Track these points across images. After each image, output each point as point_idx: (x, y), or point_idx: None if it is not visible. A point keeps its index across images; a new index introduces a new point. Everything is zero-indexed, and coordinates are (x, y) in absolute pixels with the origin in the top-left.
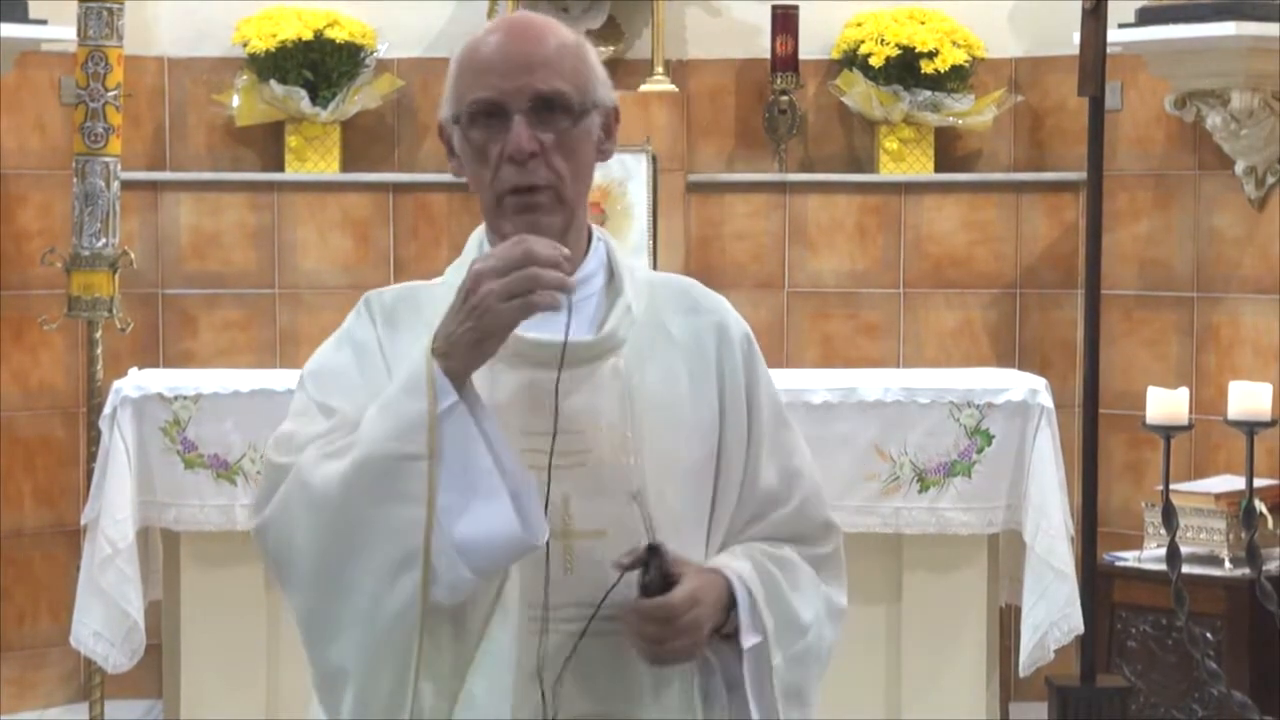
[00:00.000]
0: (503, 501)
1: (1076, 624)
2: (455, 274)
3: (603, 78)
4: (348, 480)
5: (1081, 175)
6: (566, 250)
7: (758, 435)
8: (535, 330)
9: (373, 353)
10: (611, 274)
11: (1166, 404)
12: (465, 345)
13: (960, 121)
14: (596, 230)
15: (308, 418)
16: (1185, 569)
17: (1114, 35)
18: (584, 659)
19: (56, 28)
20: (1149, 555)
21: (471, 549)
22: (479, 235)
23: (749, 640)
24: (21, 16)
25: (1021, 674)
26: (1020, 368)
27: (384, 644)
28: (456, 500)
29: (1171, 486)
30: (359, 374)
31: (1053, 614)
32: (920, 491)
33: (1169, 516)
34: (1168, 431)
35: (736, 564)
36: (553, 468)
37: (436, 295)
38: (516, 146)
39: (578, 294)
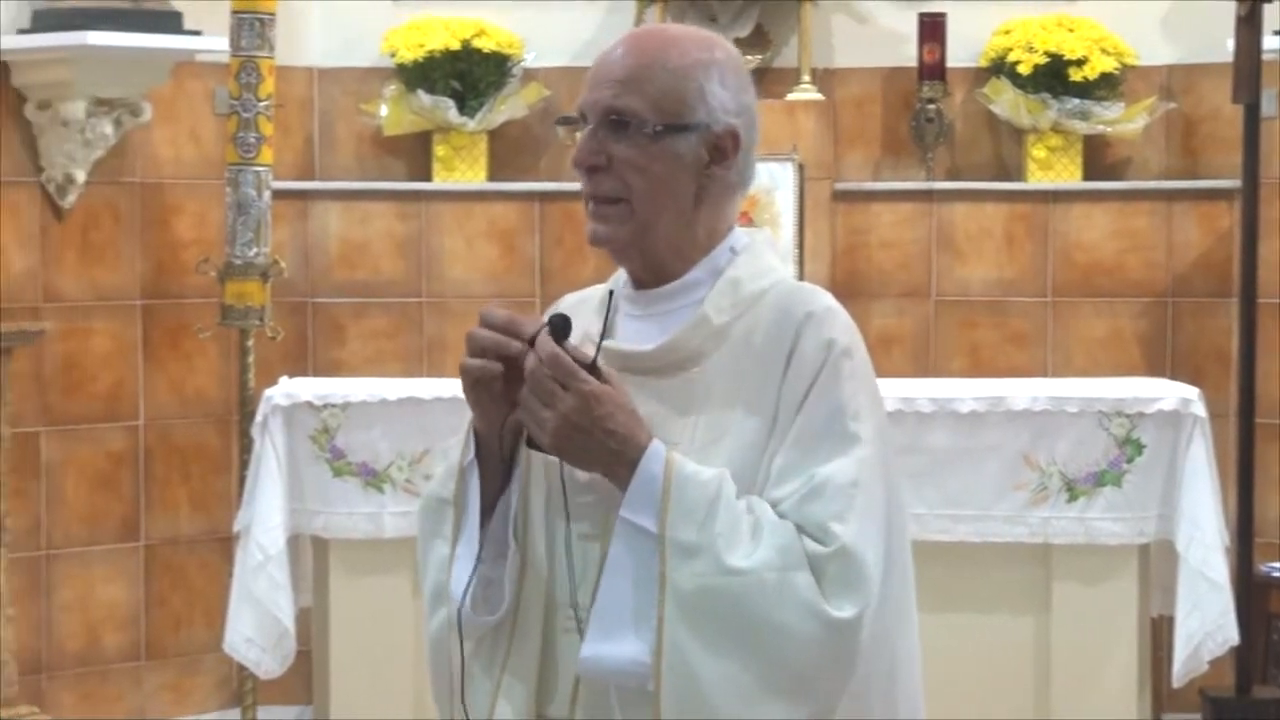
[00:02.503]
0: (464, 565)
1: (1231, 635)
2: (614, 279)
3: (721, 100)
4: (422, 510)
5: (1235, 183)
6: (502, 315)
7: (792, 436)
8: (619, 341)
9: None
10: (720, 283)
11: None
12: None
13: (1110, 129)
14: (741, 239)
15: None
16: None
17: (1269, 42)
18: None
19: (210, 38)
20: None
21: (453, 598)
22: None
23: (634, 514)
24: (177, 28)
25: (1175, 685)
26: (1172, 377)
27: (431, 664)
28: (461, 549)
29: None
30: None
31: (1207, 625)
32: (1069, 501)
33: None
34: None
35: (685, 459)
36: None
37: (598, 295)
38: (576, 157)
39: (668, 303)
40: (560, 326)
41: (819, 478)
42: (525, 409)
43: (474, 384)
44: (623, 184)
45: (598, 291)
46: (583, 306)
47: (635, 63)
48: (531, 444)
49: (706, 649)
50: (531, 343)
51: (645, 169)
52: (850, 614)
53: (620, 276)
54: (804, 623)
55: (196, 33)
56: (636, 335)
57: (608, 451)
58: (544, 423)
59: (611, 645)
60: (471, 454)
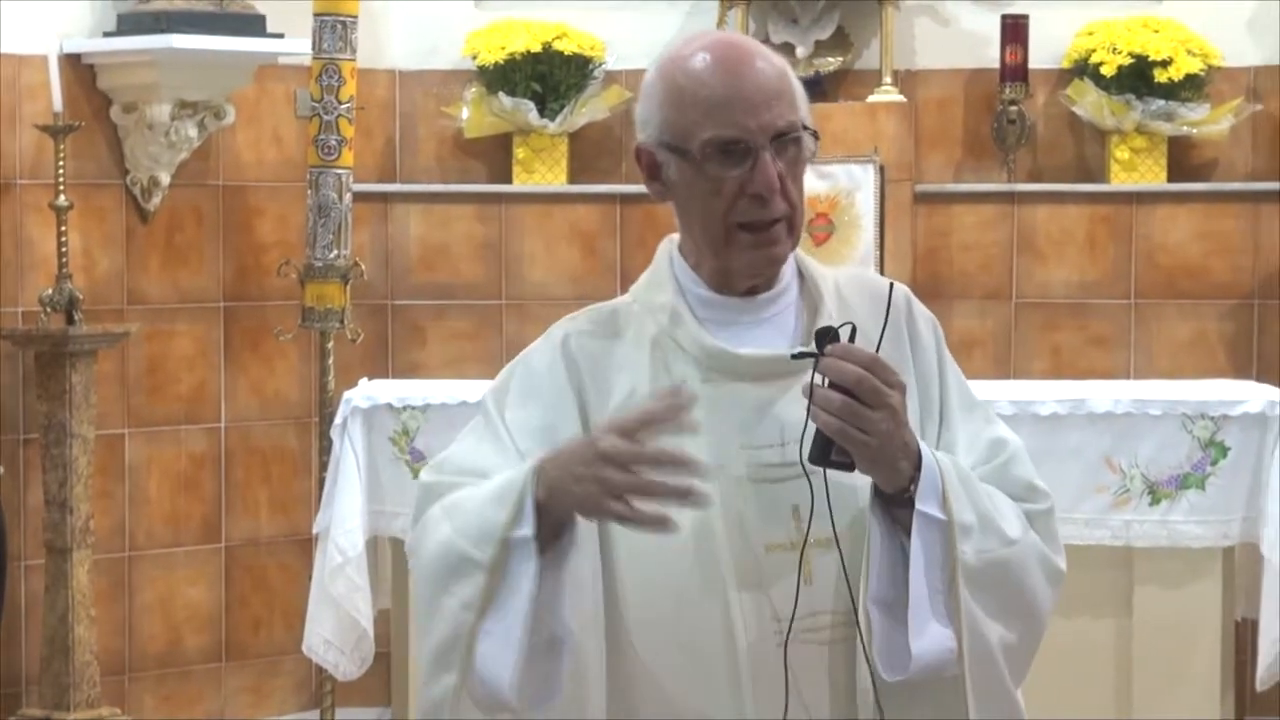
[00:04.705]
0: (508, 653)
1: None
2: (647, 292)
3: (803, 95)
4: (435, 555)
5: None
6: (629, 424)
7: (949, 406)
8: (751, 347)
9: (564, 415)
10: (802, 281)
11: None
12: (564, 502)
13: (1195, 131)
14: None
15: (469, 444)
16: None
17: None
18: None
19: (293, 41)
20: None
21: (474, 679)
22: (669, 251)
23: (927, 505)
24: (260, 31)
25: (1259, 688)
26: (1258, 380)
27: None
28: (493, 625)
29: None
30: (542, 439)
31: None
32: (1152, 504)
33: None
34: None
35: (932, 451)
36: (781, 481)
37: (634, 313)
38: (768, 185)
39: (773, 307)
40: (830, 334)
41: (1010, 444)
42: (845, 419)
43: (606, 516)
44: (787, 202)
45: (625, 308)
46: (625, 322)
47: (775, 73)
48: (824, 462)
49: (994, 619)
50: (818, 355)
51: (799, 179)
52: (1064, 564)
53: (667, 284)
54: (1047, 579)
55: (279, 35)
56: (753, 341)
57: (904, 446)
58: (875, 424)
59: (926, 640)
60: (528, 532)
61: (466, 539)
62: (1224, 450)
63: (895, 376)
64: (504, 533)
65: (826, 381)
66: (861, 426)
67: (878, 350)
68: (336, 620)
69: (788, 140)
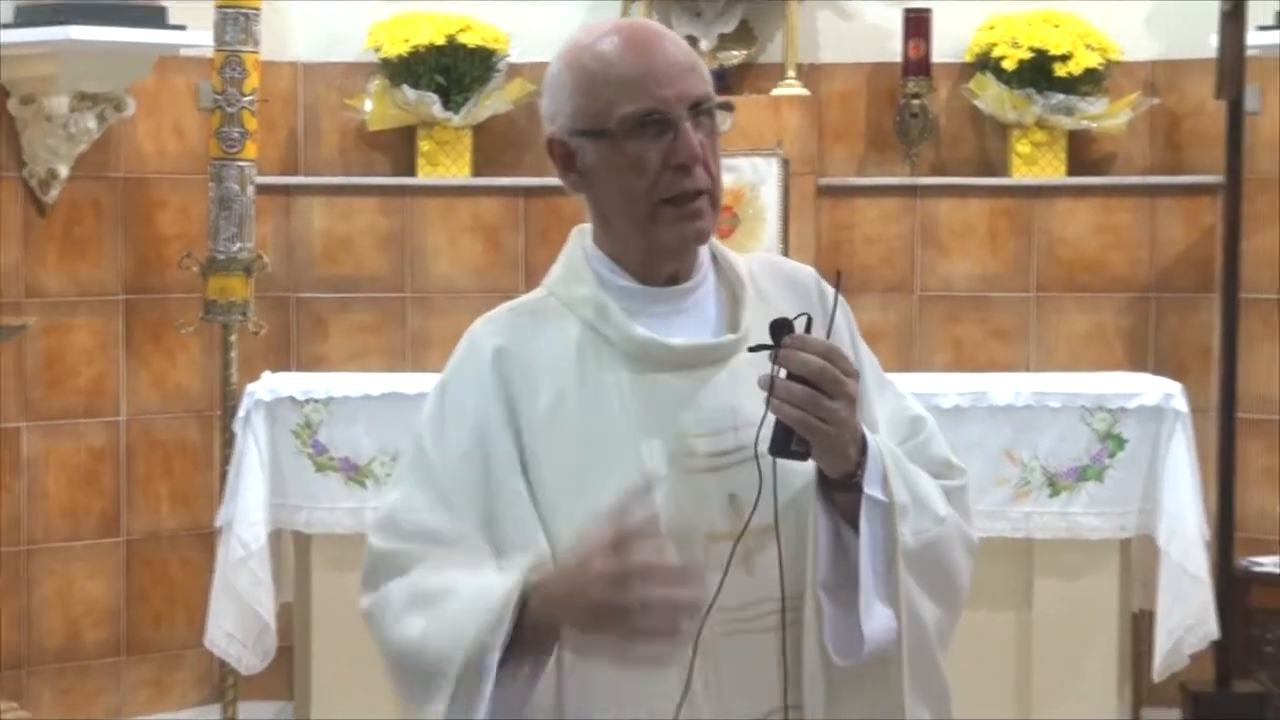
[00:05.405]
0: None
1: (1212, 629)
2: (564, 285)
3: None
4: (405, 653)
5: (1219, 179)
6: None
7: (866, 385)
8: (676, 335)
9: (495, 432)
10: (718, 268)
11: None
12: (570, 620)
13: (1094, 125)
14: None
15: (416, 498)
16: None
17: (1253, 38)
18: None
19: (194, 33)
20: None
21: None
22: (582, 243)
23: (872, 489)
24: (161, 23)
25: (1155, 679)
26: (1155, 373)
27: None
28: None
29: None
30: (480, 466)
31: (1187, 619)
32: (1051, 496)
33: None
34: None
35: (873, 435)
36: (717, 470)
37: (553, 308)
38: (691, 154)
39: (694, 295)
40: (786, 324)
41: (928, 421)
42: (806, 408)
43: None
44: (708, 174)
45: (544, 303)
46: (546, 319)
47: (684, 49)
48: (784, 452)
49: (928, 596)
50: (775, 346)
51: (717, 153)
52: (977, 536)
53: (586, 277)
54: (968, 553)
55: (180, 27)
56: (677, 329)
57: (855, 431)
58: (835, 413)
59: (874, 621)
60: (498, 655)
61: (439, 650)
62: (1121, 443)
63: (850, 365)
64: (480, 655)
65: (784, 373)
66: (822, 416)
67: (828, 337)
68: (239, 614)
69: (703, 111)
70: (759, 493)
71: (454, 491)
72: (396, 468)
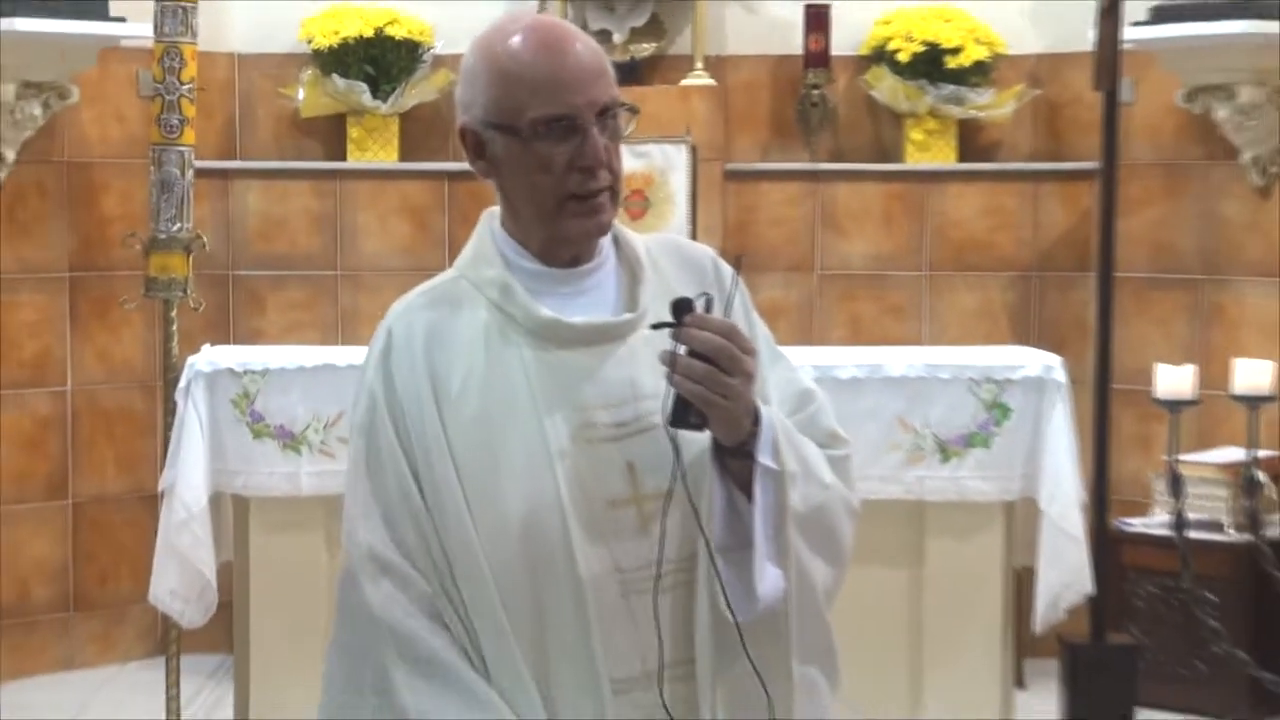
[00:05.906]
0: None
1: (1087, 586)
2: (473, 267)
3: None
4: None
5: (1096, 165)
6: None
7: (759, 359)
8: (578, 315)
9: (427, 419)
10: (619, 250)
11: (1174, 380)
12: None
13: (982, 114)
14: None
15: (375, 518)
16: (1190, 534)
17: (1128, 33)
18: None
19: (135, 25)
20: (1156, 521)
21: None
22: (492, 227)
23: (764, 457)
24: (102, 15)
25: (1036, 631)
26: (1037, 346)
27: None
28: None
29: (1178, 457)
30: (410, 480)
31: (1065, 576)
32: (942, 461)
33: (1176, 485)
34: (1175, 406)
35: (766, 406)
36: (616, 440)
37: (463, 289)
38: (596, 158)
39: (596, 275)
40: (687, 303)
41: (818, 395)
42: (705, 384)
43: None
44: (611, 172)
45: (455, 285)
46: (458, 300)
47: (593, 52)
48: (683, 424)
49: (815, 557)
50: (677, 324)
51: (619, 151)
52: (859, 503)
53: (493, 259)
54: (850, 518)
55: (121, 19)
56: (579, 309)
57: (750, 403)
58: (731, 388)
59: (766, 581)
60: None
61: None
62: (1006, 411)
63: (748, 343)
64: None
65: (684, 349)
66: (721, 391)
67: (726, 316)
68: (181, 572)
69: (609, 115)
70: (676, 461)
71: (404, 493)
72: (347, 474)
